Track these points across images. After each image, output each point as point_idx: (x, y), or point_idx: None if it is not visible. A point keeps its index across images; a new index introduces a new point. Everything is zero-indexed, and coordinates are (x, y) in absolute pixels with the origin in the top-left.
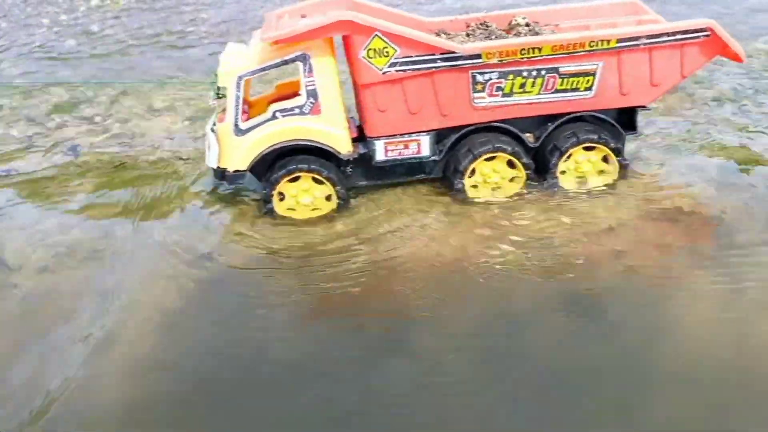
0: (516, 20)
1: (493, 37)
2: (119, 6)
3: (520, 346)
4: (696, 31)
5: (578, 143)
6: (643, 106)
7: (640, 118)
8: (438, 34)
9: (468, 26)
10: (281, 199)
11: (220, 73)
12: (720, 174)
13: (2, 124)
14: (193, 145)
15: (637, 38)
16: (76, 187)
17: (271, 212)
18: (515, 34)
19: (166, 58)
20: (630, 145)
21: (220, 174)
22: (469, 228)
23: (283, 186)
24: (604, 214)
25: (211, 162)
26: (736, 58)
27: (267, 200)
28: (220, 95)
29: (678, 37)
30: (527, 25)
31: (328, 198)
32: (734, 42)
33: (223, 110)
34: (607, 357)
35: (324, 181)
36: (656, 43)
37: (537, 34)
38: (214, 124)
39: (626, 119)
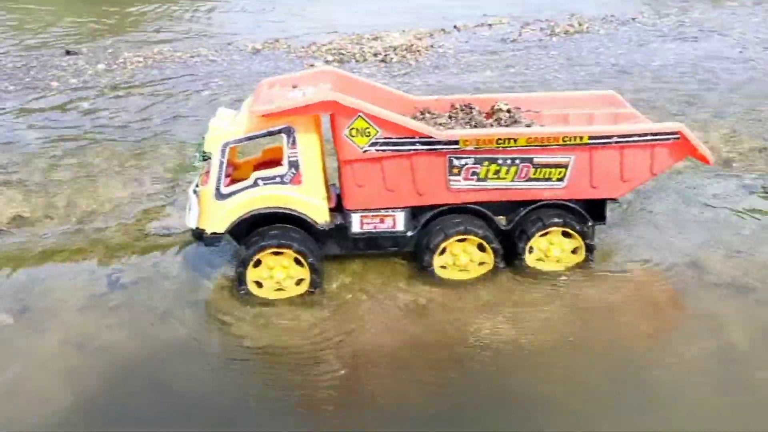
0: (498, 105)
1: (473, 123)
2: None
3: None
4: (666, 134)
5: (544, 227)
6: (613, 199)
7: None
8: (423, 113)
9: (453, 107)
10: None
11: (207, 138)
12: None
13: None
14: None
15: (609, 136)
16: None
17: (247, 294)
18: (496, 119)
19: None
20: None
21: (198, 234)
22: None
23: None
24: (596, 297)
25: (191, 222)
26: (704, 159)
27: (241, 279)
28: (206, 157)
29: (648, 138)
30: (508, 111)
31: (299, 283)
32: (702, 145)
33: (207, 172)
34: None
35: (302, 260)
36: (627, 142)
37: (516, 120)
38: (197, 186)
39: (595, 208)
